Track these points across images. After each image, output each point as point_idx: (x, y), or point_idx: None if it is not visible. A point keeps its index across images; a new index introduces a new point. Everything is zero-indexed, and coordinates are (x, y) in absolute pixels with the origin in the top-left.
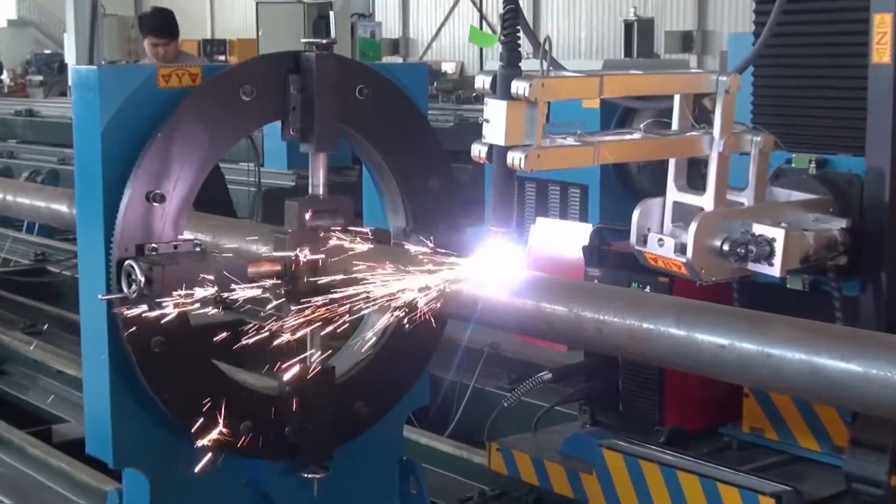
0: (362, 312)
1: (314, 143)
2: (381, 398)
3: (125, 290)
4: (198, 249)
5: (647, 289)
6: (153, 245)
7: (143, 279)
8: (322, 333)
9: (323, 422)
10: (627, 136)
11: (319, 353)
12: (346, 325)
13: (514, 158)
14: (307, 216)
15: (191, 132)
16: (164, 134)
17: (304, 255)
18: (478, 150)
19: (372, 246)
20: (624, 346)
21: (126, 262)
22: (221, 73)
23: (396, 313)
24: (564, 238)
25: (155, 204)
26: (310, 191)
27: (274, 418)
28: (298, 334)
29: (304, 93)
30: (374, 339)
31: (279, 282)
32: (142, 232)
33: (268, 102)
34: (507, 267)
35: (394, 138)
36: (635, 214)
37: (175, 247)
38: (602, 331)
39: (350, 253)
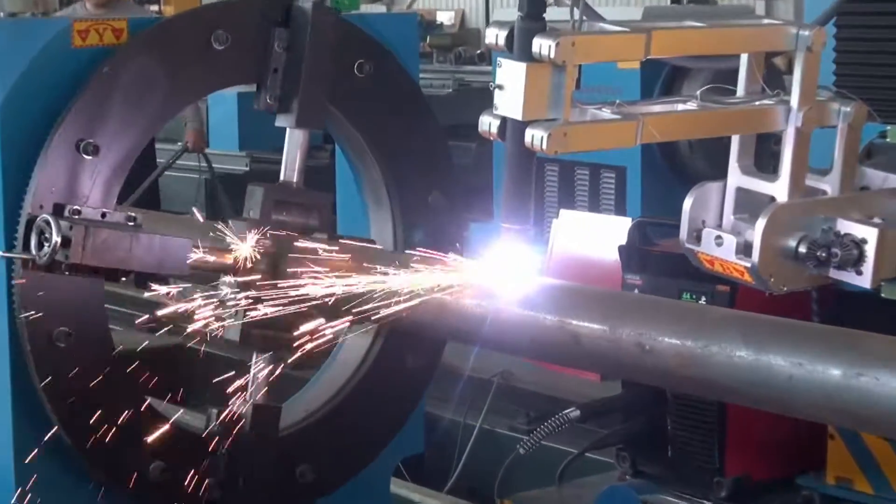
0: (330, 334)
1: (294, 116)
2: (340, 463)
3: (33, 250)
4: (132, 224)
5: (703, 300)
6: (76, 207)
7: (58, 240)
8: (272, 360)
9: (258, 480)
10: (680, 107)
11: (266, 386)
12: (307, 351)
13: (535, 137)
14: (274, 207)
15: (144, 74)
16: (111, 70)
17: (264, 251)
18: (487, 124)
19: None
20: (674, 373)
21: (40, 218)
22: (192, 10)
23: (376, 334)
24: (596, 236)
25: (86, 156)
26: (281, 176)
27: (194, 464)
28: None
29: (292, 52)
30: (345, 373)
31: (228, 280)
32: (64, 188)
33: (244, 57)
34: (522, 273)
35: (392, 135)
36: (687, 203)
37: (103, 215)
38: (646, 353)
39: (321, 253)
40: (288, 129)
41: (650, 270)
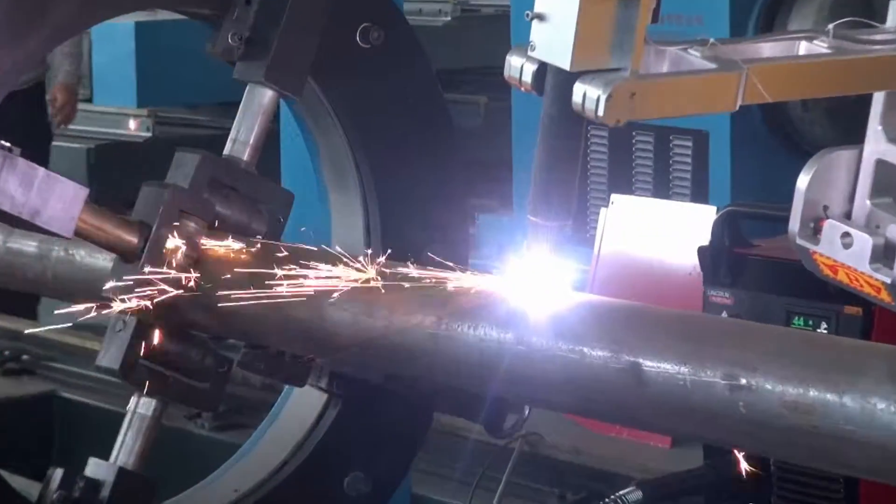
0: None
1: (265, 67)
2: None
3: None
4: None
5: (823, 328)
6: None
7: None
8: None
9: None
10: (803, 50)
11: (145, 445)
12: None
13: (587, 98)
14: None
15: None
16: None
17: (185, 238)
18: (518, 68)
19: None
20: (781, 432)
21: None
22: None
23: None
24: (663, 232)
25: None
26: (226, 149)
27: None
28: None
29: None
30: (292, 438)
31: (128, 266)
32: None
33: None
34: (554, 288)
35: (391, 137)
36: (803, 180)
37: None
38: (741, 404)
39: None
40: (249, 87)
41: (745, 283)
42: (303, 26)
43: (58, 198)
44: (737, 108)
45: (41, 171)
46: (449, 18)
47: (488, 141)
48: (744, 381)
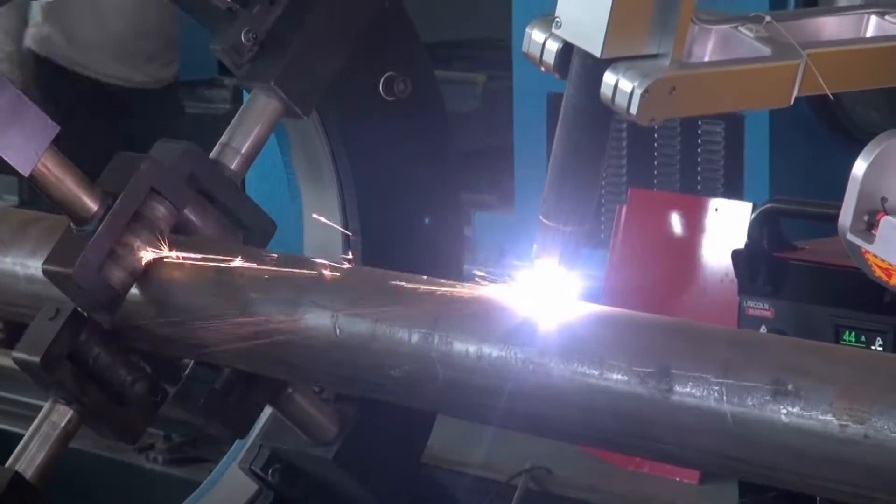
0: None
1: (275, 75)
2: None
3: None
4: None
5: (879, 343)
6: None
7: None
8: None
9: None
10: (874, 31)
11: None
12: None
13: (619, 91)
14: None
15: None
16: None
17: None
18: (539, 44)
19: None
20: (833, 465)
21: None
22: None
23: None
24: (689, 232)
25: None
26: (215, 152)
27: None
28: None
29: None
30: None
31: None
32: None
33: None
34: (563, 297)
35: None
36: (860, 167)
37: None
38: (788, 427)
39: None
40: (253, 92)
41: (787, 292)
42: (326, 42)
43: (23, 127)
44: (791, 102)
45: (12, 89)
46: None
47: (486, 127)
48: (789, 409)
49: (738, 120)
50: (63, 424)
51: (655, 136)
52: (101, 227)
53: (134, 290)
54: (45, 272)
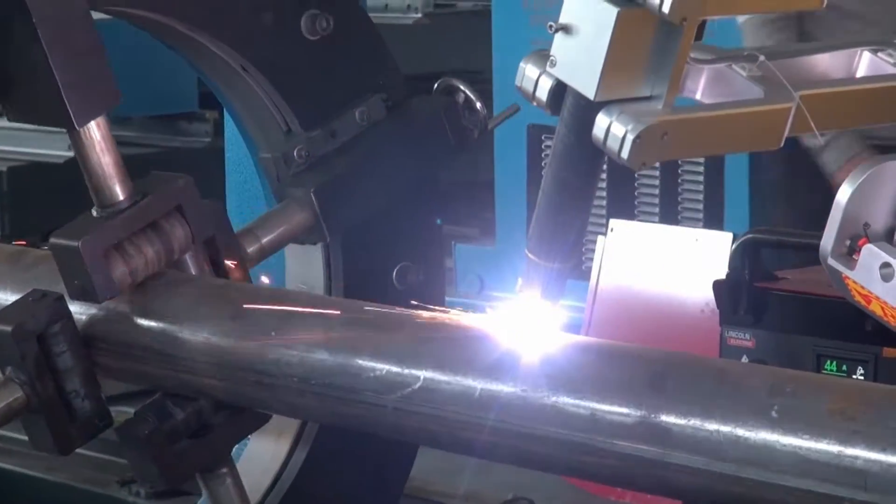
0: None
1: (314, 186)
2: None
3: None
4: None
5: (859, 373)
6: None
7: None
8: None
9: None
10: (867, 69)
11: None
12: None
13: (611, 136)
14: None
15: None
16: None
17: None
18: (533, 80)
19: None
20: (831, 496)
21: None
22: None
23: (298, 434)
24: (670, 263)
25: None
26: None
27: None
28: None
29: None
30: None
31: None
32: None
33: None
34: (544, 330)
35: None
36: (845, 191)
37: None
38: (780, 470)
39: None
40: (289, 199)
41: (769, 322)
42: (374, 185)
43: (93, 77)
44: (781, 145)
45: (98, 38)
46: (420, 15)
47: (466, 159)
48: (783, 438)
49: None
50: (8, 401)
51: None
52: (121, 216)
53: (119, 303)
54: (51, 245)
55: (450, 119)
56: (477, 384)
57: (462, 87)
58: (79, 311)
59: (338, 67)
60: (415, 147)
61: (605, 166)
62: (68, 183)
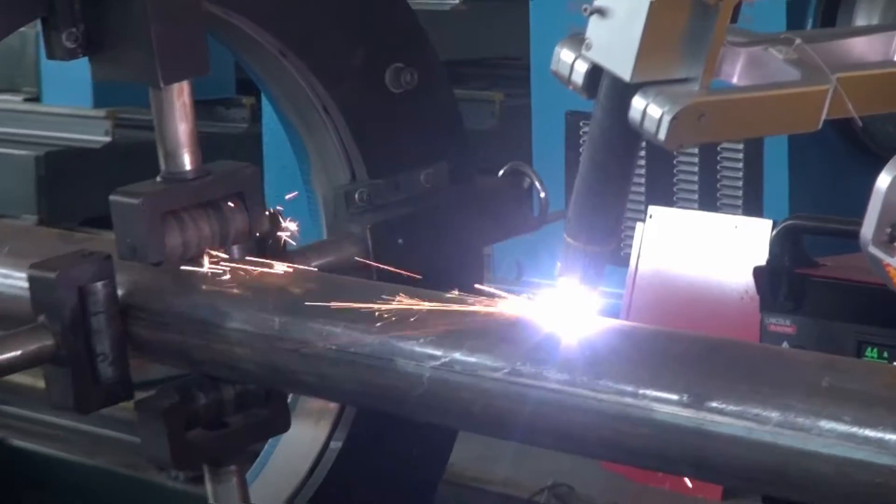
0: None
1: (371, 221)
2: None
3: None
4: None
5: None
6: None
7: None
8: None
9: None
10: None
11: None
12: None
13: (650, 116)
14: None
15: None
16: None
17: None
18: (568, 64)
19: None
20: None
21: None
22: None
23: (336, 419)
24: (710, 249)
25: None
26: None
27: None
28: None
29: None
30: (286, 487)
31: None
32: None
33: None
34: (586, 317)
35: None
36: (883, 180)
37: None
38: (822, 459)
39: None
40: (346, 231)
41: (809, 309)
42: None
43: (186, 40)
44: (819, 127)
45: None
46: (457, 1)
47: (503, 145)
48: (816, 423)
49: (757, 137)
50: (37, 346)
51: (675, 153)
52: (186, 185)
53: (163, 273)
54: (111, 202)
55: (512, 202)
56: (515, 365)
57: (529, 173)
58: (123, 278)
59: (413, 124)
60: (472, 220)
61: (643, 153)
62: (105, 168)
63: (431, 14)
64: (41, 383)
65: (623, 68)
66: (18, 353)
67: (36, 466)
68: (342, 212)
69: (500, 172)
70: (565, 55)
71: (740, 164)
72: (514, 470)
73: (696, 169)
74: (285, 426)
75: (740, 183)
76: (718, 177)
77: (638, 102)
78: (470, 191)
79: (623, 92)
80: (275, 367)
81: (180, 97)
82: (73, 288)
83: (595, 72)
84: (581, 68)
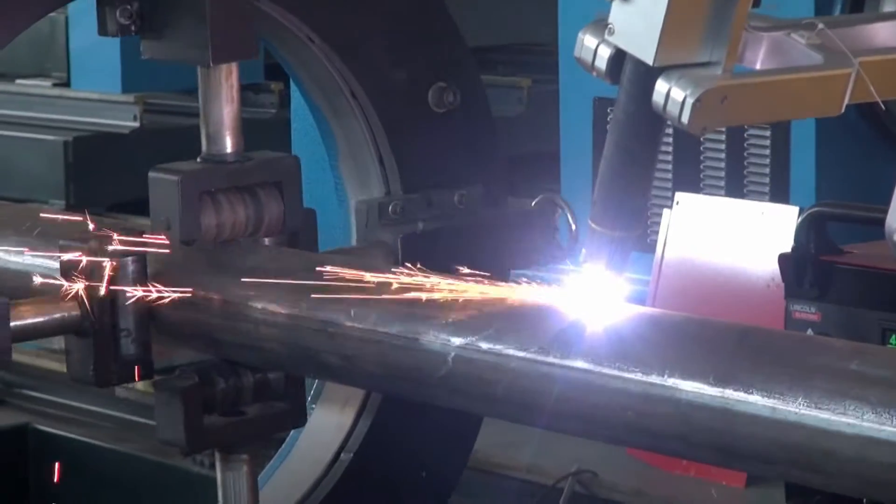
0: None
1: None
2: None
3: None
4: None
5: None
6: None
7: None
8: None
9: None
10: None
11: None
12: None
13: (673, 100)
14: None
15: None
16: None
17: None
18: (592, 50)
19: None
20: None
21: None
22: None
23: (362, 405)
24: (736, 236)
25: None
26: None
27: None
28: None
29: None
30: (311, 474)
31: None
32: None
33: None
34: (612, 303)
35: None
36: None
37: None
38: (855, 448)
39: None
40: (377, 241)
41: (834, 296)
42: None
43: (239, 24)
44: (842, 111)
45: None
46: None
47: (531, 131)
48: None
49: (784, 124)
50: (64, 314)
51: (702, 139)
52: (226, 167)
53: (194, 253)
54: (150, 178)
55: (541, 231)
56: (539, 348)
57: (561, 204)
58: (153, 256)
59: (452, 144)
60: (500, 245)
61: (670, 139)
62: (133, 154)
63: (458, 1)
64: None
65: (646, 52)
66: (43, 319)
67: (63, 451)
68: (374, 223)
69: (534, 203)
70: (589, 41)
71: (767, 151)
72: (538, 457)
73: (722, 155)
74: (302, 420)
75: (767, 170)
76: (745, 163)
77: (661, 86)
78: (501, 215)
79: (646, 76)
80: (300, 348)
81: (228, 79)
82: (103, 260)
83: (618, 57)
84: (605, 53)
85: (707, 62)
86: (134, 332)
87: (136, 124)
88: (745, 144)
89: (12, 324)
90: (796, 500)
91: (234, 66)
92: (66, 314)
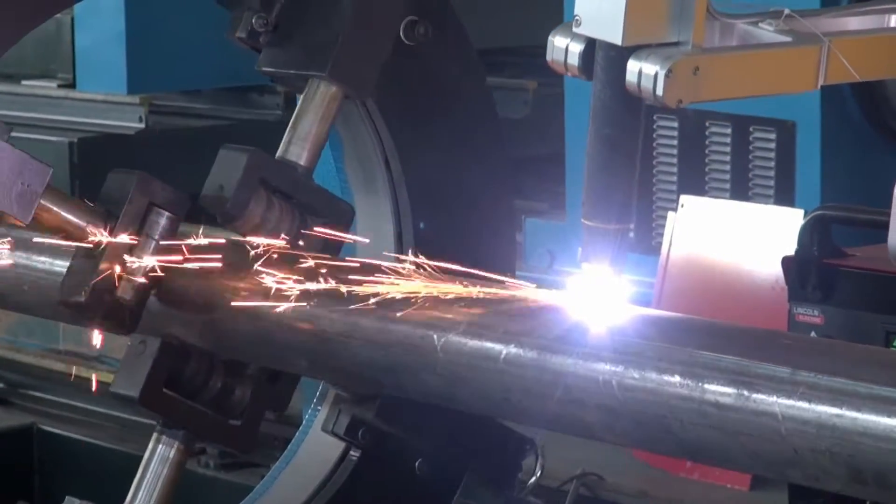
0: None
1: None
2: None
3: None
4: None
5: None
6: None
7: None
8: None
9: None
10: None
11: None
12: None
13: (643, 76)
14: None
15: None
16: None
17: None
18: (563, 49)
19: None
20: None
21: None
22: None
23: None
24: (740, 239)
25: None
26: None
27: None
28: None
29: None
30: (314, 478)
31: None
32: None
33: None
34: (613, 303)
35: (425, 129)
36: None
37: None
38: (866, 447)
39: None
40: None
41: (837, 299)
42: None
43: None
44: (818, 87)
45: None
46: None
47: (537, 133)
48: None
49: (789, 126)
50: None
51: (707, 142)
52: (293, 171)
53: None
54: (220, 151)
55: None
56: (541, 342)
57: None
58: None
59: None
60: None
61: (676, 142)
62: (139, 155)
63: (460, 3)
64: (72, 370)
65: (614, 34)
66: (70, 217)
67: (68, 452)
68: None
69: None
70: (559, 42)
71: (772, 154)
72: (543, 458)
73: (727, 158)
74: (248, 445)
75: (772, 172)
76: (750, 166)
77: (633, 66)
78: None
79: (618, 60)
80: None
81: (331, 103)
82: (144, 198)
83: (589, 51)
84: (576, 49)
85: (676, 42)
86: (137, 279)
87: (142, 125)
88: (751, 147)
89: (42, 201)
90: (799, 502)
91: (340, 93)
92: (91, 224)
